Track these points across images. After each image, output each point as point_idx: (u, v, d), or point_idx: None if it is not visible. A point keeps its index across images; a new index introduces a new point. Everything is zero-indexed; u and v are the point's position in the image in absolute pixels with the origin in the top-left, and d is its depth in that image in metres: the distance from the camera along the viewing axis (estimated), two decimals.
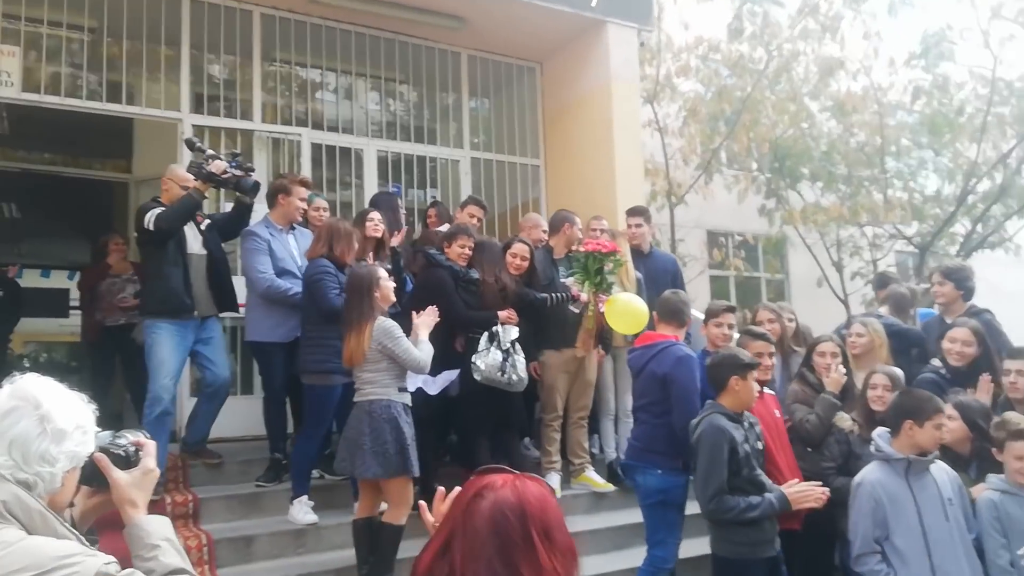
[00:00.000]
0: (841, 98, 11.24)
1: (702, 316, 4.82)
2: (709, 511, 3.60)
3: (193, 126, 6.20)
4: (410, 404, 4.10)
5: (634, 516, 4.97)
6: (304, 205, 5.14)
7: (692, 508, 4.01)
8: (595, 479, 5.42)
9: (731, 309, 4.56)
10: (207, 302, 4.75)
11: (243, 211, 4.90)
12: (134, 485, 1.78)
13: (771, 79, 10.94)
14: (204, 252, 4.75)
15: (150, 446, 1.85)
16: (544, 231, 5.80)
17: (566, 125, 7.54)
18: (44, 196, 10.31)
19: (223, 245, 5.02)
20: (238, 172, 4.63)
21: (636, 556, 4.61)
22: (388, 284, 4.15)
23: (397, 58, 7.22)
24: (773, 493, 3.55)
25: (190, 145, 4.70)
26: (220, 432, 5.52)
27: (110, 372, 6.49)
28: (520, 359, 4.77)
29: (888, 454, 3.40)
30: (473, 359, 4.65)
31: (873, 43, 10.92)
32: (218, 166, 4.52)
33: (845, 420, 4.07)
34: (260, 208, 5.19)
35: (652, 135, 10.06)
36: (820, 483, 3.64)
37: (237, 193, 4.76)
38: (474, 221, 5.64)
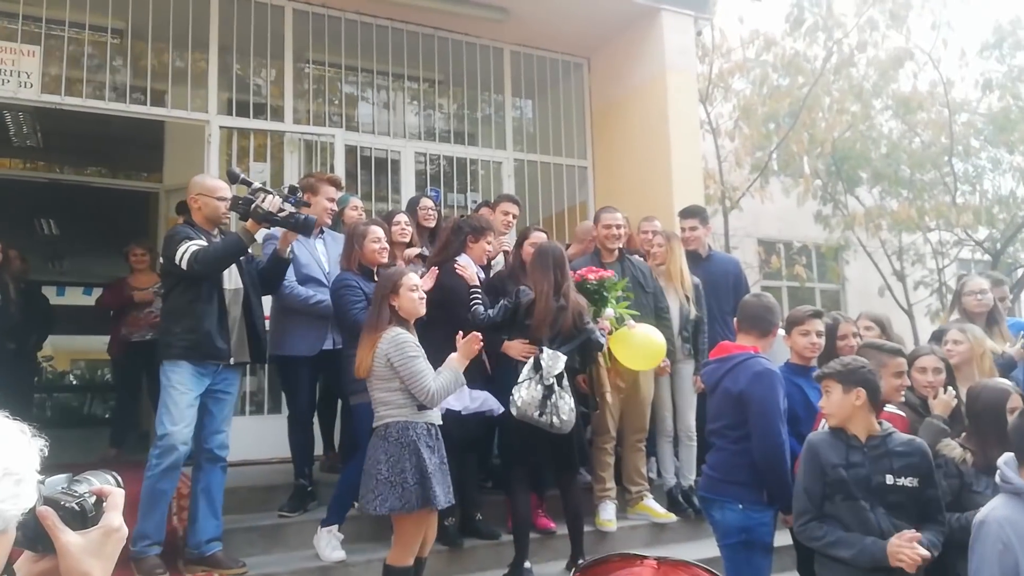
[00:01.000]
0: (906, 95, 10.54)
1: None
2: (796, 532, 3.12)
3: (221, 127, 5.88)
4: (437, 423, 3.57)
5: (702, 550, 4.44)
6: (333, 206, 4.65)
7: (782, 539, 3.51)
8: (655, 508, 4.89)
9: (818, 315, 3.95)
10: (240, 346, 4.00)
11: (282, 267, 4.17)
12: (89, 551, 1.25)
13: (831, 76, 10.29)
14: (240, 287, 4.00)
15: (116, 496, 1.32)
16: None
17: (616, 123, 7.06)
18: (80, 211, 10.22)
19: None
20: (295, 210, 3.85)
21: None
22: (410, 293, 3.55)
23: (436, 55, 6.84)
24: (872, 539, 2.97)
25: (233, 178, 3.92)
26: (244, 454, 5.16)
27: (135, 388, 6.17)
28: (567, 398, 4.05)
29: (1018, 487, 2.80)
30: (513, 391, 4.05)
31: (942, 34, 10.20)
32: (273, 203, 3.75)
33: (954, 448, 3.45)
34: None
35: (704, 137, 9.52)
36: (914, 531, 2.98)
37: (288, 234, 4.02)
38: (508, 219, 5.16)
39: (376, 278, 3.93)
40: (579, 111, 7.44)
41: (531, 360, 4.10)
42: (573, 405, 4.08)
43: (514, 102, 7.43)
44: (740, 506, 3.37)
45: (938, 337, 4.53)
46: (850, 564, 2.94)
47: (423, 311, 3.63)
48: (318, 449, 4.81)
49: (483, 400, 4.04)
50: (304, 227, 3.89)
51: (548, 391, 3.99)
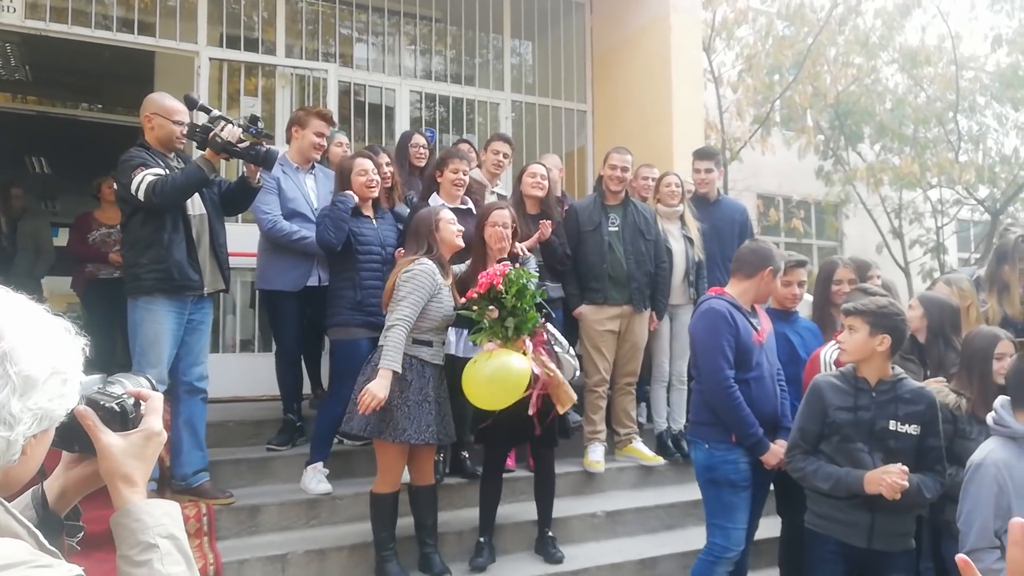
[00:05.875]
0: (913, 48, 10.33)
1: None
2: (784, 464, 3.14)
3: (211, 59, 5.72)
4: (433, 362, 3.57)
5: (688, 493, 4.49)
6: (321, 141, 4.49)
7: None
8: (643, 451, 4.90)
9: (801, 264, 3.91)
10: (212, 275, 3.78)
11: (249, 194, 3.92)
12: (131, 453, 1.21)
13: (836, 26, 10.07)
14: (204, 212, 3.76)
15: (155, 400, 1.28)
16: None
17: (617, 65, 6.89)
18: (71, 147, 10.03)
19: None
20: (256, 140, 3.65)
21: (690, 537, 4.15)
22: (450, 226, 3.65)
23: None
24: (848, 470, 2.96)
25: (191, 104, 3.65)
26: (235, 391, 5.14)
27: (108, 327, 5.91)
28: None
29: (1015, 430, 2.78)
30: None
31: None
32: (232, 133, 3.54)
33: (948, 394, 3.42)
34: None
35: (705, 86, 9.33)
36: (901, 464, 2.97)
37: (252, 165, 3.75)
38: (499, 159, 5.05)
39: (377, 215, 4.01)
40: (579, 53, 7.26)
41: None
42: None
43: (513, 43, 7.24)
44: (706, 445, 3.37)
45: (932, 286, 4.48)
46: (829, 495, 2.94)
47: (461, 244, 3.73)
48: (307, 388, 4.77)
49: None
50: (265, 160, 3.66)
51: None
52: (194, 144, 3.69)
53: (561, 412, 3.62)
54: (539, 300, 3.52)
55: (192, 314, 3.73)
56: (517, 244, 3.98)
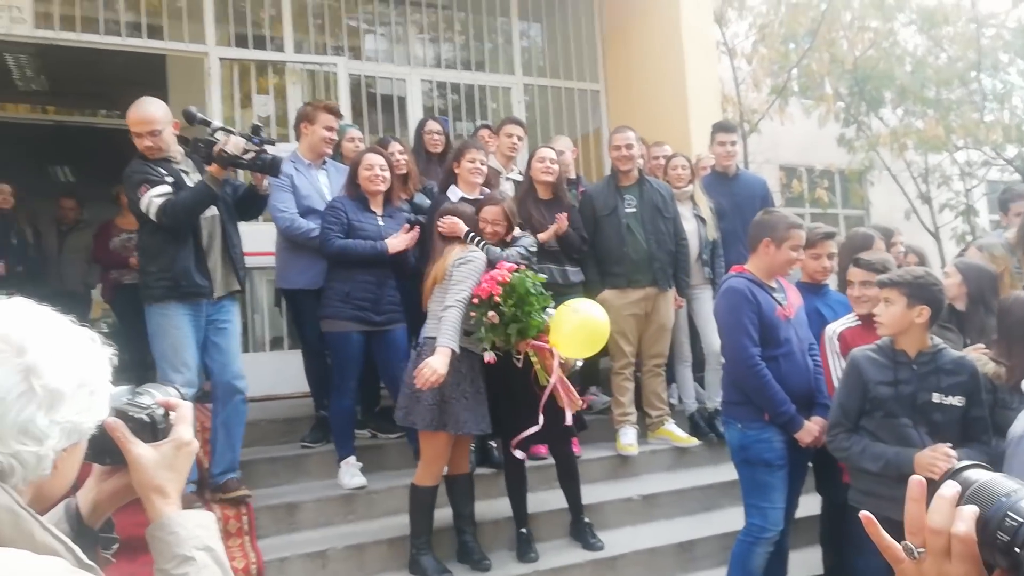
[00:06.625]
0: (930, 8, 10.09)
1: None
2: (827, 443, 3.06)
3: (221, 59, 5.71)
4: (479, 353, 3.54)
5: (724, 473, 4.44)
6: (331, 135, 4.45)
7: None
8: (676, 432, 4.86)
9: (830, 236, 3.82)
10: (225, 277, 3.76)
11: (259, 201, 3.90)
12: (163, 464, 1.20)
13: None
14: (215, 213, 3.71)
15: (184, 409, 1.27)
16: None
17: (628, 43, 6.80)
18: (92, 155, 10.10)
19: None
20: (260, 149, 3.58)
21: (729, 519, 4.10)
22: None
23: None
24: (897, 449, 2.89)
25: (190, 119, 3.55)
26: (268, 389, 5.16)
27: (140, 332, 5.99)
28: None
29: None
30: None
31: None
32: (236, 144, 3.49)
33: (987, 363, 3.34)
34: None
35: (719, 59, 9.19)
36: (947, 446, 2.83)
37: (259, 174, 3.70)
38: (513, 141, 4.99)
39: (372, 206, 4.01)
40: (589, 32, 7.16)
41: None
42: None
43: (522, 26, 7.16)
44: (739, 425, 3.33)
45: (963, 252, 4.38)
46: (879, 475, 2.87)
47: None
48: None
49: None
50: (271, 168, 3.62)
51: None
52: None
53: (569, 414, 3.54)
54: (546, 307, 3.48)
55: (212, 315, 3.72)
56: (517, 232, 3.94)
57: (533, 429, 3.52)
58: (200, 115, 3.56)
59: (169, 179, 3.56)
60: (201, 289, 3.63)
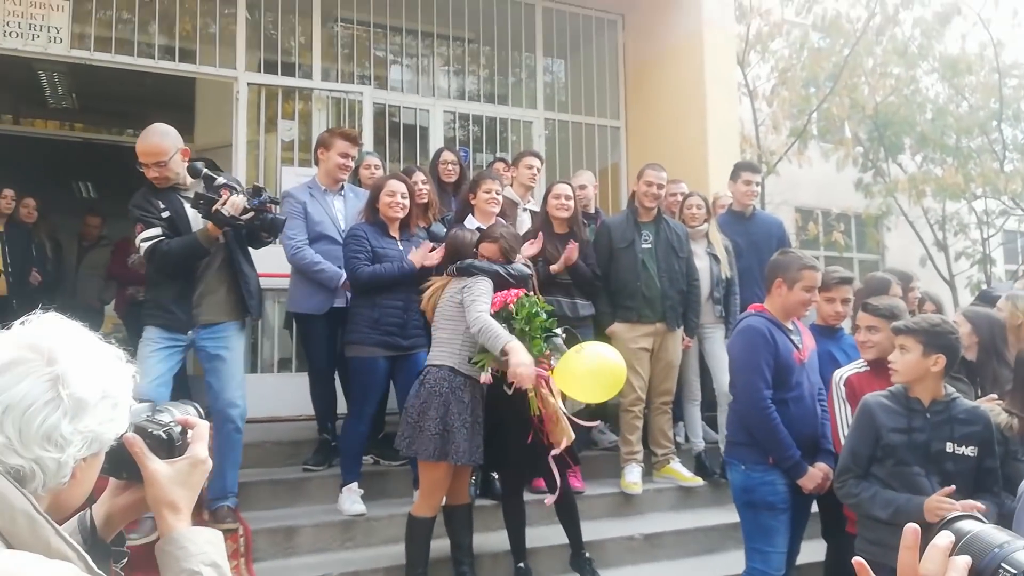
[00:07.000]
0: (953, 57, 10.13)
1: None
2: (835, 490, 2.99)
3: (249, 84, 5.83)
4: (481, 380, 3.50)
5: (728, 515, 4.37)
6: (347, 161, 4.48)
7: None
8: (681, 471, 4.82)
9: (846, 281, 3.79)
10: (225, 304, 3.69)
11: (258, 244, 3.84)
12: (177, 481, 1.24)
13: (874, 37, 9.91)
14: (221, 241, 3.64)
15: (201, 428, 1.31)
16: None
17: (651, 82, 6.88)
18: (116, 173, 10.28)
19: None
20: (260, 209, 3.53)
21: (730, 562, 4.04)
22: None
23: (467, 13, 6.69)
24: (907, 496, 2.84)
25: (195, 173, 3.55)
26: (273, 410, 5.17)
27: None
28: None
29: None
30: None
31: None
32: (235, 204, 3.42)
33: (999, 414, 3.29)
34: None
35: (740, 100, 9.25)
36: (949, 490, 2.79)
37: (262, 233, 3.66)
38: (532, 172, 5.06)
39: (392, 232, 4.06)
40: (612, 70, 7.25)
41: None
42: None
43: (546, 61, 7.26)
44: (743, 467, 3.29)
45: (985, 298, 4.35)
46: (888, 523, 2.82)
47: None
48: (342, 407, 4.78)
49: None
50: (271, 228, 3.61)
51: None
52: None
53: (557, 449, 3.48)
54: (549, 330, 3.49)
55: (202, 342, 3.67)
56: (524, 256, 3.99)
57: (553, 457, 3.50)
58: (205, 170, 3.57)
59: (165, 214, 3.56)
60: (177, 322, 3.61)
